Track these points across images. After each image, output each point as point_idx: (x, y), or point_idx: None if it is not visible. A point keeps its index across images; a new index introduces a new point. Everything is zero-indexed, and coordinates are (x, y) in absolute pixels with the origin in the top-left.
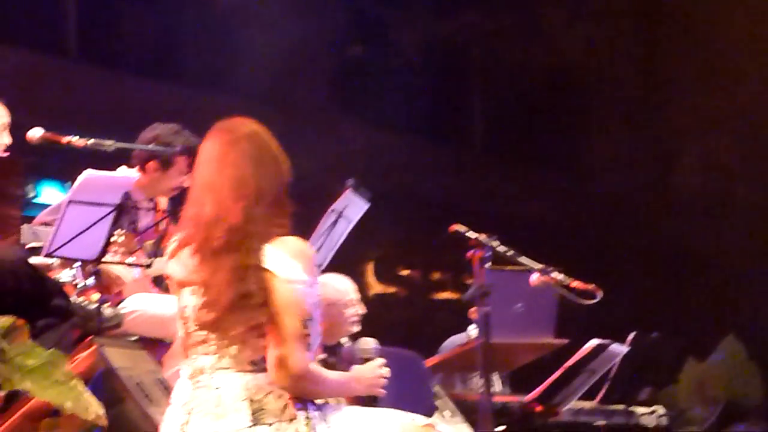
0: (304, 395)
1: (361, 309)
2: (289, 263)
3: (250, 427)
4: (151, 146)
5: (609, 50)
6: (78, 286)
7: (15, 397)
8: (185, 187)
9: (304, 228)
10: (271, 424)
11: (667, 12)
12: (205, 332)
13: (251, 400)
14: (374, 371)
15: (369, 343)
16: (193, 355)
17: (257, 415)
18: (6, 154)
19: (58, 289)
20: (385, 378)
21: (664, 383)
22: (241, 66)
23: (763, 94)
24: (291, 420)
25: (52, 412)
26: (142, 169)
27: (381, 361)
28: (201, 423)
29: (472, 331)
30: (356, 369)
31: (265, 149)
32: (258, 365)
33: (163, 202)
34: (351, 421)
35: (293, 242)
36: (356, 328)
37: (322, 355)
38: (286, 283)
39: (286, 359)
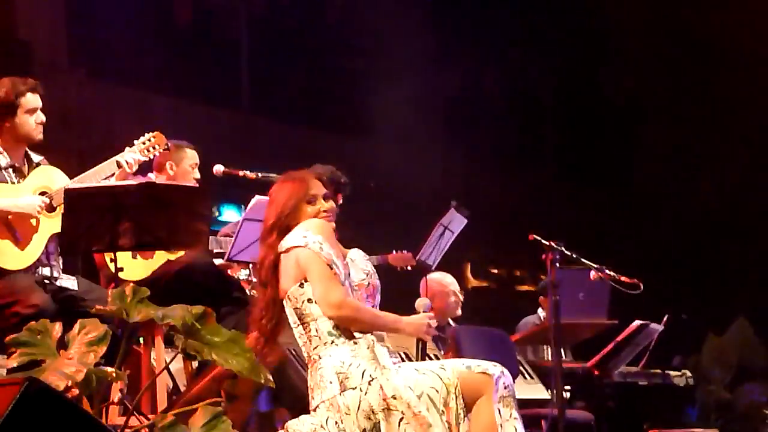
0: (350, 323)
1: (461, 297)
2: (299, 234)
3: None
4: None
5: (650, 99)
6: (251, 282)
7: (205, 365)
8: None
9: (417, 237)
10: (354, 388)
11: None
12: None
13: (338, 372)
14: (422, 319)
15: (423, 300)
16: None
17: (344, 383)
18: (197, 185)
19: (237, 284)
20: (430, 327)
21: (690, 353)
22: (373, 114)
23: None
24: (369, 382)
25: (233, 376)
26: None
27: (430, 315)
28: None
29: (541, 313)
30: (408, 317)
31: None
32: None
33: None
34: (412, 367)
35: (307, 221)
36: (458, 312)
37: (435, 333)
38: (302, 247)
39: (325, 295)
